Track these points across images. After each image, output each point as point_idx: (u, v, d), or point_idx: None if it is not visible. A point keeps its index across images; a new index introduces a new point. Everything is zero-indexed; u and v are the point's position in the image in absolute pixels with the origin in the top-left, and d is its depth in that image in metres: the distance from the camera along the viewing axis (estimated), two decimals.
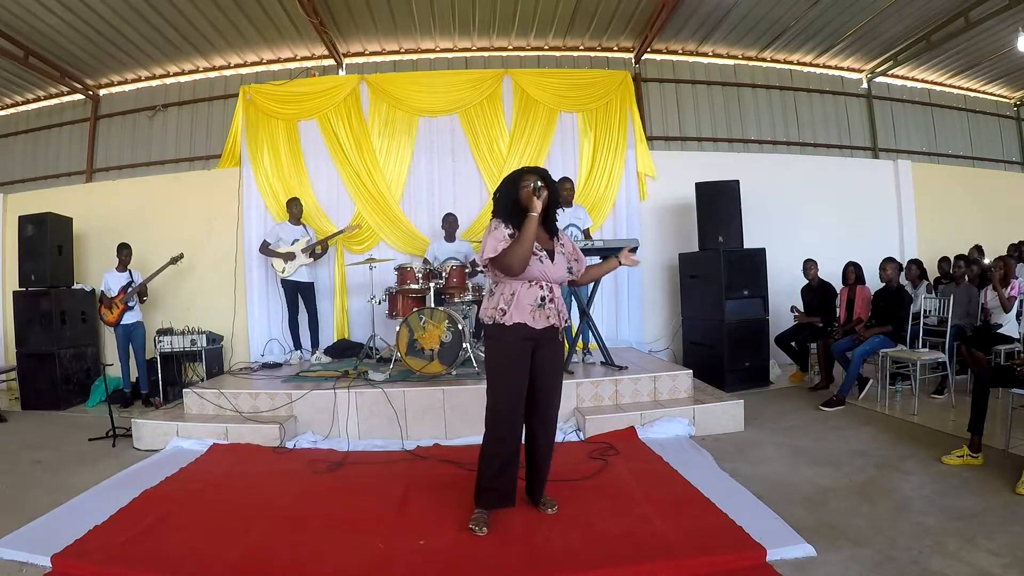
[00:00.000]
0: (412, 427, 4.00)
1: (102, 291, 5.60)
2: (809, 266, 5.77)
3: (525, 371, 2.53)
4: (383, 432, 4.00)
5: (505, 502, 2.62)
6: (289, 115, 6.41)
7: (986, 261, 6.01)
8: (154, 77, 7.15)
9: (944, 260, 6.03)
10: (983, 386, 3.20)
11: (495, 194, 2.63)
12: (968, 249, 6.26)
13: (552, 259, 2.56)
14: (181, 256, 5.68)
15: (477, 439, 3.23)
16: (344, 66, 6.91)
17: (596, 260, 4.91)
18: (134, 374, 5.71)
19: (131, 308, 5.53)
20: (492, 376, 2.56)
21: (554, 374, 2.64)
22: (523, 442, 2.67)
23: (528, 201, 2.44)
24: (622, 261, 2.82)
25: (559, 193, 2.65)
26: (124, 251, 5.60)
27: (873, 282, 5.24)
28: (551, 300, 2.55)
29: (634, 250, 4.80)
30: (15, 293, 5.85)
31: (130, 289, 5.51)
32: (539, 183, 2.47)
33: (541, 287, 2.53)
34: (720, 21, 6.50)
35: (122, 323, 5.52)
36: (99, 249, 6.42)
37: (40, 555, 2.36)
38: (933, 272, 6.20)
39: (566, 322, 2.67)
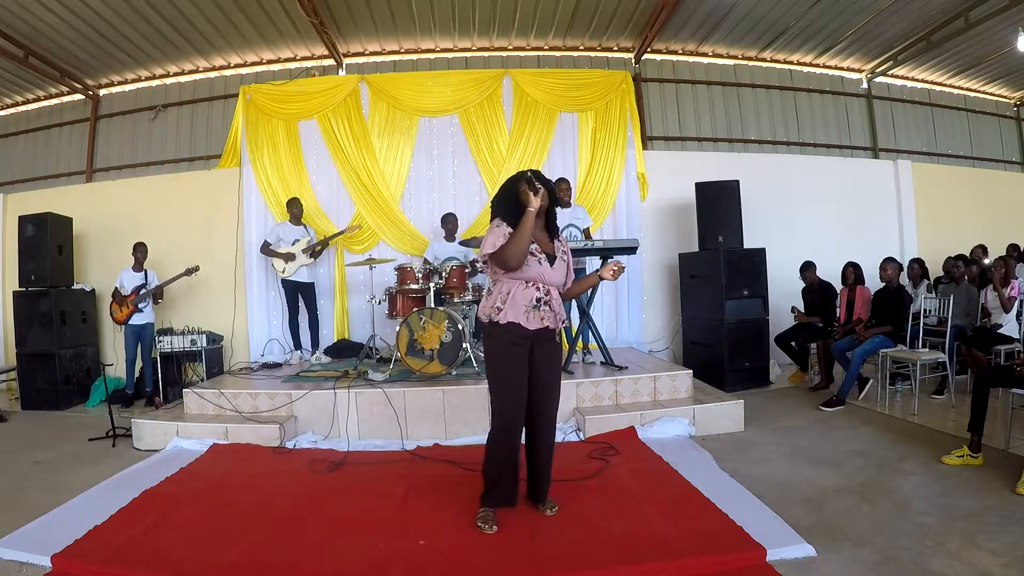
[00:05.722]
0: (412, 427, 3.99)
1: (116, 288, 5.54)
2: (806, 268, 5.76)
3: (523, 369, 2.54)
4: (383, 432, 4.00)
5: (507, 502, 2.64)
6: (289, 115, 6.41)
7: (986, 261, 6.00)
8: (154, 77, 7.15)
9: (949, 259, 6.01)
10: (983, 386, 3.20)
11: (495, 197, 2.69)
12: (969, 249, 6.25)
13: (552, 263, 2.59)
14: (197, 268, 5.60)
15: (477, 439, 3.20)
16: (344, 66, 6.91)
17: (596, 260, 4.99)
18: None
19: (140, 311, 5.49)
20: (491, 374, 2.59)
21: (551, 374, 2.65)
22: (524, 443, 2.68)
23: (526, 198, 2.48)
24: (603, 276, 2.67)
25: (556, 194, 2.70)
26: (139, 250, 5.55)
27: (873, 282, 5.24)
28: (547, 303, 2.56)
29: (634, 250, 4.84)
30: (15, 293, 5.84)
31: (143, 292, 5.48)
32: (537, 183, 2.52)
33: (538, 288, 2.55)
34: (720, 21, 6.50)
35: (132, 323, 5.49)
36: (99, 249, 6.42)
37: (40, 555, 2.36)
38: (935, 272, 6.17)
39: (563, 323, 2.68)
